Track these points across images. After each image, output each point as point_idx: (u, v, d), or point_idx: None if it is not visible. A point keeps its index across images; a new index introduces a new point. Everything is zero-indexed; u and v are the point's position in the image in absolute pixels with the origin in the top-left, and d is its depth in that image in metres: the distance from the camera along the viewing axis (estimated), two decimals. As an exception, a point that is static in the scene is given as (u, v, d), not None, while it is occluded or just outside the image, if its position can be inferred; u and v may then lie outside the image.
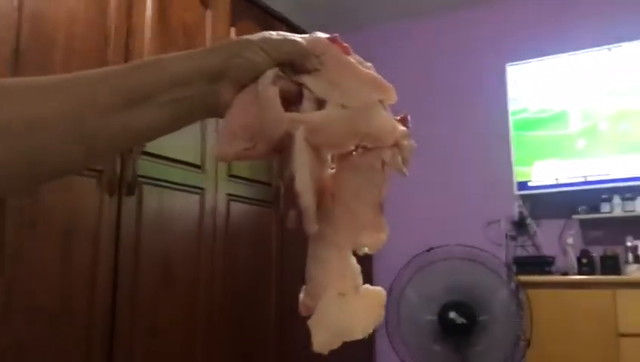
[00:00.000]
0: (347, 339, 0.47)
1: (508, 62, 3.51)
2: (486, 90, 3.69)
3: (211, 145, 2.38)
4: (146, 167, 2.06)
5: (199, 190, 2.33)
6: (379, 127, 0.49)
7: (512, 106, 3.45)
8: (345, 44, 0.51)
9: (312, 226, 0.46)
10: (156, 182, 2.12)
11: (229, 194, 2.49)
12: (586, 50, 3.32)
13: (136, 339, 1.96)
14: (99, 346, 1.83)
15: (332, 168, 0.52)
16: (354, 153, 0.51)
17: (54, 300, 1.72)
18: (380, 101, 0.50)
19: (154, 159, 2.11)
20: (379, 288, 0.50)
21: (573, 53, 3.35)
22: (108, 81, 0.49)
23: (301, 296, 0.49)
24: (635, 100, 3.17)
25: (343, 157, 0.51)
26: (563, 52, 3.38)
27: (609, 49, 3.26)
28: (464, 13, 3.87)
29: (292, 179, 0.46)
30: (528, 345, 2.61)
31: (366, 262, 0.52)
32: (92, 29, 1.92)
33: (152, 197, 2.09)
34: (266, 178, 2.73)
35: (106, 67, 0.50)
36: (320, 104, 0.49)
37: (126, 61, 2.03)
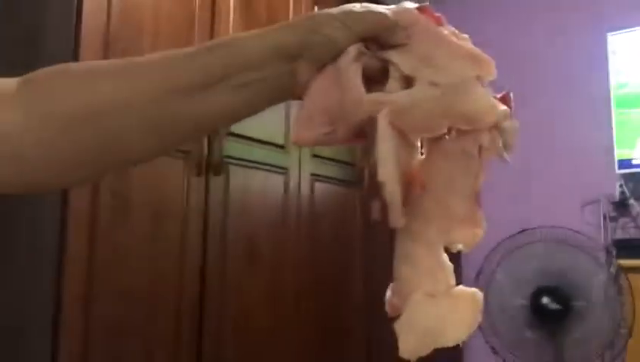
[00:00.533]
0: (437, 346, 0.42)
1: (609, 31, 3.26)
2: (584, 62, 3.45)
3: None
4: (231, 147, 2.07)
5: (283, 170, 2.33)
6: (475, 106, 0.43)
7: (613, 80, 3.21)
8: (437, 14, 0.46)
9: (398, 220, 0.42)
10: (241, 162, 2.13)
11: (313, 174, 2.48)
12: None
13: (224, 320, 1.99)
14: (188, 328, 1.87)
15: (422, 154, 0.47)
16: (446, 137, 0.45)
17: (144, 282, 1.76)
18: (477, 77, 0.44)
19: (239, 139, 2.12)
20: (474, 289, 0.45)
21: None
22: (182, 64, 0.46)
23: (388, 293, 0.45)
24: None
25: (433, 142, 0.46)
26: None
27: None
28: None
29: (376, 167, 0.42)
30: (630, 334, 2.44)
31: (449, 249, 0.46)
32: (178, 13, 1.94)
33: (237, 178, 2.11)
34: (350, 158, 2.69)
35: (176, 49, 0.47)
36: (408, 82, 0.44)
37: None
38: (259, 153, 2.21)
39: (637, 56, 3.18)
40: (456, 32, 0.45)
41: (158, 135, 0.46)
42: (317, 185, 2.49)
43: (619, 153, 3.15)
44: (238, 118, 0.49)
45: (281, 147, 2.32)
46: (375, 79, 0.46)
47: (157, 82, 0.45)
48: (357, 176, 2.72)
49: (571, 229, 2.57)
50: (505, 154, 0.44)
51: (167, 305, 1.82)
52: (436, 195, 0.45)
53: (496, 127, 0.44)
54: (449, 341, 0.43)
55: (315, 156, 2.49)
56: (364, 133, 0.45)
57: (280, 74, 0.46)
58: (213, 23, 2.05)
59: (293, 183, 2.36)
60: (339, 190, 2.62)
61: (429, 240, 0.44)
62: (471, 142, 0.44)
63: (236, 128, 2.09)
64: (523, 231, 2.57)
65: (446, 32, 0.45)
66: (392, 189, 0.41)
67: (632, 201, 3.25)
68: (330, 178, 2.57)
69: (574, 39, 3.52)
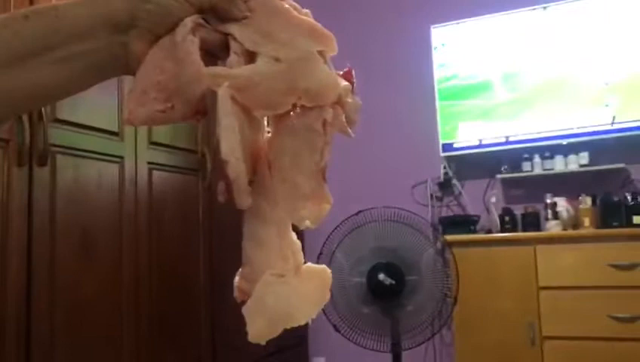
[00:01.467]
0: (287, 326, 0.41)
1: (432, 23, 3.51)
2: (411, 52, 3.69)
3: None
4: (58, 135, 1.91)
5: (118, 159, 2.20)
6: (319, 82, 0.42)
7: (437, 72, 3.46)
8: None
9: (244, 200, 0.40)
10: (71, 151, 1.97)
11: (151, 163, 2.37)
12: (507, 11, 3.37)
13: (56, 317, 1.85)
14: (14, 329, 1.71)
15: (268, 132, 0.45)
16: (291, 114, 0.44)
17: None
18: (320, 52, 0.43)
19: (67, 126, 1.96)
20: (322, 266, 0.44)
21: (494, 14, 3.39)
22: None
23: (236, 279, 0.43)
24: (559, 66, 3.25)
25: (278, 119, 0.44)
26: (488, 13, 3.41)
27: (534, 9, 3.32)
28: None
29: (218, 145, 0.40)
30: (455, 301, 2.66)
31: (294, 228, 0.45)
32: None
33: (66, 168, 1.95)
34: (189, 144, 2.62)
35: None
36: (250, 57, 0.42)
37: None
38: (90, 141, 2.06)
39: (459, 48, 3.45)
40: (297, 6, 0.44)
41: None
42: (155, 173, 2.39)
43: (443, 136, 3.41)
44: (63, 94, 0.44)
45: (115, 134, 2.19)
46: (214, 54, 0.43)
47: None
48: (197, 162, 2.65)
49: (403, 209, 2.74)
50: (349, 130, 0.44)
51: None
52: (283, 173, 0.43)
53: (340, 103, 0.43)
54: (299, 320, 0.42)
55: (153, 143, 2.38)
56: (204, 110, 0.42)
57: (110, 45, 0.41)
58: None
59: (129, 172, 2.24)
60: (179, 178, 2.54)
61: (277, 220, 0.43)
62: (316, 117, 0.43)
63: (63, 114, 1.93)
64: (360, 212, 2.69)
65: (287, 5, 0.44)
66: (236, 167, 0.39)
67: (454, 182, 3.55)
68: (169, 166, 2.48)
69: (402, 30, 3.73)
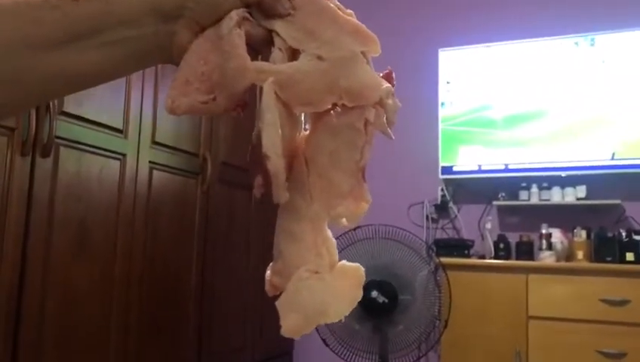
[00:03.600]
0: (321, 322, 0.41)
1: (441, 47, 3.54)
2: (417, 74, 3.71)
3: (135, 109, 2.25)
4: (63, 127, 1.91)
5: (120, 156, 2.20)
6: (361, 82, 0.43)
7: (441, 98, 3.48)
8: None
9: (282, 194, 0.40)
10: (74, 144, 1.97)
11: (152, 162, 2.37)
12: (514, 41, 3.40)
13: (46, 308, 1.83)
14: (4, 316, 1.69)
15: (306, 130, 0.46)
16: (332, 113, 0.44)
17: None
18: (363, 53, 0.44)
19: (73, 120, 1.96)
20: (357, 265, 0.44)
21: (503, 43, 3.42)
22: (40, 13, 0.40)
23: (268, 273, 0.43)
24: (557, 95, 3.28)
25: (317, 117, 0.45)
26: (494, 41, 3.45)
27: (540, 40, 3.36)
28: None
29: (259, 138, 0.40)
30: (445, 325, 2.66)
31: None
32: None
33: (69, 161, 1.95)
34: (192, 147, 2.62)
35: None
36: (293, 54, 0.43)
37: None
38: (94, 136, 2.06)
39: (463, 73, 3.48)
40: (341, 6, 0.45)
41: (9, 92, 0.40)
42: (156, 173, 2.38)
43: (443, 159, 3.42)
44: (103, 79, 0.45)
45: (120, 131, 2.19)
46: (258, 49, 0.44)
47: (8, 31, 0.39)
48: (198, 166, 2.65)
49: (400, 227, 2.74)
50: (389, 131, 0.45)
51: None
52: (320, 170, 0.44)
53: (381, 104, 0.44)
54: (332, 317, 0.42)
55: (156, 143, 2.38)
56: (244, 103, 0.43)
57: (157, 33, 0.42)
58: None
59: (130, 170, 2.23)
60: (178, 180, 2.53)
61: (313, 216, 0.43)
62: (357, 117, 0.43)
63: (70, 107, 1.93)
64: (357, 228, 2.69)
65: (332, 5, 0.44)
66: (276, 162, 0.39)
67: (451, 205, 3.55)
68: (170, 167, 2.48)
69: (409, 51, 3.76)
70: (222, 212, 2.77)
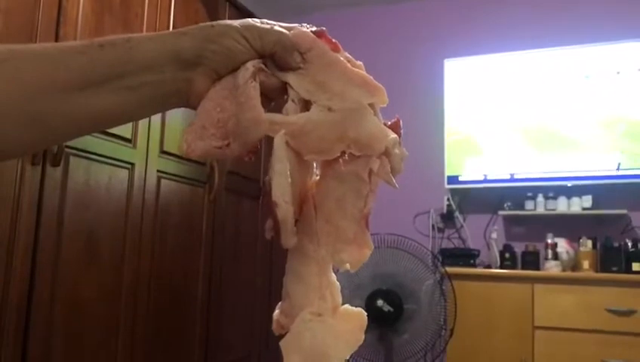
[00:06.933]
0: None
1: (446, 57, 3.55)
2: (423, 84, 3.73)
3: (144, 119, 2.27)
4: (73, 137, 1.93)
5: (129, 165, 2.22)
6: (368, 133, 0.45)
7: (448, 105, 3.49)
8: (333, 40, 0.47)
9: (289, 240, 0.42)
10: (84, 153, 2.00)
11: (160, 171, 2.39)
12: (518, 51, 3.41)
13: (55, 317, 1.86)
14: (14, 323, 1.71)
15: (317, 175, 0.48)
16: (340, 161, 0.46)
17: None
18: (370, 105, 0.46)
19: (83, 130, 1.99)
20: (359, 309, 0.46)
21: (509, 52, 3.43)
22: (68, 58, 0.42)
23: (276, 312, 0.45)
24: (564, 104, 3.29)
25: (327, 165, 0.47)
26: (500, 51, 3.46)
27: (546, 50, 3.37)
28: (407, 4, 3.88)
29: (270, 186, 0.42)
30: (451, 334, 2.67)
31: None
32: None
33: (78, 170, 1.98)
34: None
35: (65, 42, 0.43)
36: (305, 105, 0.45)
37: (57, 24, 1.89)
38: (104, 145, 2.08)
39: (469, 83, 3.49)
40: (351, 58, 0.47)
41: (35, 131, 0.42)
42: (164, 182, 2.41)
43: (449, 169, 3.43)
44: (126, 120, 0.47)
45: (129, 141, 2.22)
46: (271, 97, 0.46)
47: (36, 74, 0.41)
48: (206, 175, 2.67)
49: (406, 236, 2.75)
50: (393, 180, 0.46)
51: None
52: (328, 215, 0.46)
53: (386, 153, 0.46)
54: (333, 359, 0.44)
55: (164, 153, 2.41)
56: (256, 149, 0.45)
57: (176, 79, 0.44)
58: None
59: (138, 179, 2.26)
60: (186, 188, 2.56)
61: (319, 259, 0.45)
62: (362, 166, 0.46)
63: (80, 117, 1.95)
64: (363, 237, 2.70)
65: (342, 58, 0.46)
66: (284, 210, 0.41)
67: (457, 214, 3.56)
68: (178, 176, 2.50)
69: (415, 62, 3.78)
70: (229, 220, 2.79)
